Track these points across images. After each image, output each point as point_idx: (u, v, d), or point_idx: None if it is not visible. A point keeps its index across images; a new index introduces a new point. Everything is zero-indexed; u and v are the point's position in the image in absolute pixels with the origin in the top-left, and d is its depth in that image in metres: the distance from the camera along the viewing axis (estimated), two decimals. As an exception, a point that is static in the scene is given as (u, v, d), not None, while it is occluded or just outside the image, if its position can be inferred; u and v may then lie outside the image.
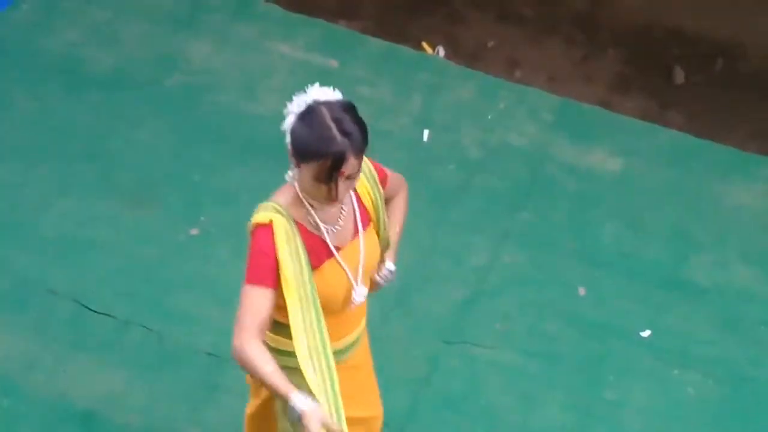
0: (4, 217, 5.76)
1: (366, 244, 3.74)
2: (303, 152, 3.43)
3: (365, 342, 4.06)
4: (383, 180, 3.85)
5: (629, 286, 5.53)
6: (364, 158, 3.65)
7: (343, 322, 3.80)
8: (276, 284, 3.54)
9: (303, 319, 3.56)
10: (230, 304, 5.30)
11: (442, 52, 6.68)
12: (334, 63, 6.45)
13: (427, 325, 5.39)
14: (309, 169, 3.43)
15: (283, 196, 3.62)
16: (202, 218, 5.77)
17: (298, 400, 3.42)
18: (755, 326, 5.39)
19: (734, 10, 6.93)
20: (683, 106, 6.50)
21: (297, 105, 3.49)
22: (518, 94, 6.36)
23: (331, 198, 3.48)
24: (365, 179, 3.75)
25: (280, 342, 3.73)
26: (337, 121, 3.40)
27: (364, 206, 3.76)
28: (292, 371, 3.55)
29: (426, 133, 6.13)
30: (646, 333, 5.37)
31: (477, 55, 6.74)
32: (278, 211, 3.56)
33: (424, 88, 6.34)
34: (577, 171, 5.98)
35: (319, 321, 3.58)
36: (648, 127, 6.22)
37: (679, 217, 5.79)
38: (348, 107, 3.47)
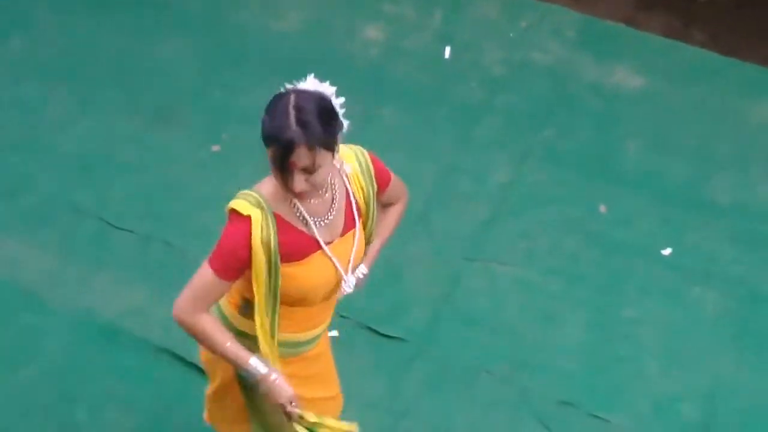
0: (26, 136, 5.80)
1: (343, 245, 3.62)
2: (262, 135, 3.35)
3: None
4: (385, 182, 3.74)
5: (651, 204, 5.55)
6: (363, 152, 3.64)
7: (324, 311, 3.77)
8: (235, 279, 3.52)
9: (265, 311, 3.56)
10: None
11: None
12: (356, -21, 6.45)
13: (449, 242, 5.42)
14: (268, 154, 3.34)
15: (268, 186, 3.51)
16: (224, 136, 5.80)
17: (261, 366, 3.55)
18: (777, 244, 5.42)
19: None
20: (707, 24, 6.47)
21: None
22: (541, 11, 6.34)
23: (288, 188, 3.38)
24: (360, 173, 3.65)
25: (242, 323, 3.72)
26: (298, 110, 3.30)
27: (357, 201, 3.65)
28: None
29: (447, 50, 6.13)
30: (667, 251, 5.39)
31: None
32: (259, 205, 3.46)
33: (447, 5, 6.34)
34: (600, 89, 5.98)
35: (273, 316, 3.57)
36: (671, 44, 6.22)
37: (702, 135, 5.79)
38: (319, 99, 3.35)
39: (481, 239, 5.42)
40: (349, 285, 3.66)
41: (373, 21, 6.22)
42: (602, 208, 5.53)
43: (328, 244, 3.54)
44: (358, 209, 3.65)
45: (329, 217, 3.54)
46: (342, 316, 5.09)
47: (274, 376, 3.58)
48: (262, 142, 3.30)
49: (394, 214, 3.91)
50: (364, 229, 3.69)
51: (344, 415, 4.78)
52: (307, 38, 6.17)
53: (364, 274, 3.79)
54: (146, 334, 5.06)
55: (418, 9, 6.30)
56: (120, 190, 5.58)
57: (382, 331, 5.09)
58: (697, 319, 5.16)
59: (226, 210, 3.49)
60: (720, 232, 5.45)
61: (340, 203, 3.57)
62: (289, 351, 3.74)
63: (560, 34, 6.20)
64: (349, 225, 3.60)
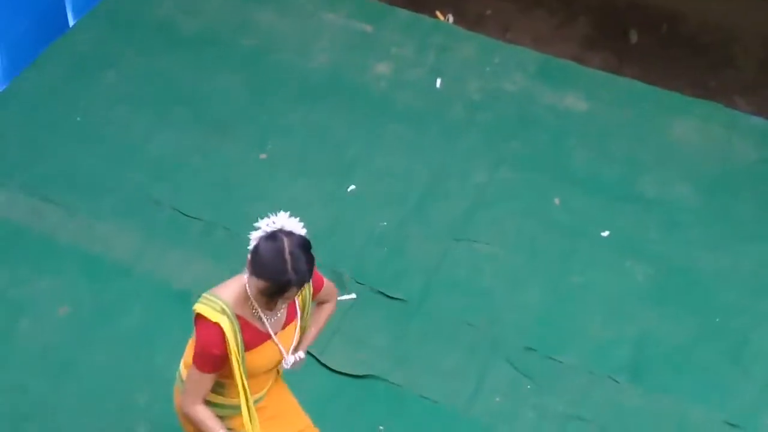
0: (118, 145, 5.80)
1: (282, 338, 3.53)
2: (258, 271, 3.24)
3: (279, 381, 3.81)
4: (318, 287, 3.62)
5: (593, 197, 5.54)
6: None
7: (268, 378, 3.67)
8: (216, 371, 3.44)
9: (242, 384, 3.48)
10: (292, 212, 5.37)
11: (451, 19, 6.66)
12: (369, 28, 6.43)
13: (439, 226, 5.43)
14: (258, 284, 3.25)
15: (229, 291, 3.40)
16: (269, 146, 5.79)
17: None
18: (689, 229, 5.40)
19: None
20: (637, 61, 6.46)
21: (266, 225, 3.30)
22: (510, 52, 6.32)
23: (269, 309, 3.35)
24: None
25: (216, 398, 3.60)
26: (293, 256, 3.21)
27: (297, 302, 3.56)
28: (225, 417, 3.59)
29: (438, 81, 6.13)
30: (605, 233, 5.38)
31: (478, 22, 6.71)
32: (224, 312, 3.35)
33: (438, 47, 6.33)
34: (555, 111, 5.98)
35: (245, 386, 3.49)
36: (610, 77, 6.19)
37: (633, 146, 5.78)
38: (304, 245, 3.27)
39: (464, 224, 5.43)
40: (287, 363, 3.57)
41: (383, 60, 6.23)
42: (557, 201, 5.54)
43: (276, 333, 3.48)
44: (300, 307, 3.56)
45: (277, 315, 3.47)
46: (358, 283, 5.14)
47: None
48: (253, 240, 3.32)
49: (326, 310, 3.79)
50: (301, 320, 3.58)
51: (356, 359, 4.85)
52: (331, 73, 6.17)
53: (301, 358, 3.65)
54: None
55: (417, 50, 6.29)
56: (189, 187, 5.60)
57: (388, 294, 5.12)
58: (629, 285, 5.17)
59: (194, 311, 3.39)
60: (646, 219, 5.45)
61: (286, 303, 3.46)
62: (235, 411, 3.60)
63: (524, 68, 6.20)
64: (290, 318, 3.53)
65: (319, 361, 4.85)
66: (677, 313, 5.05)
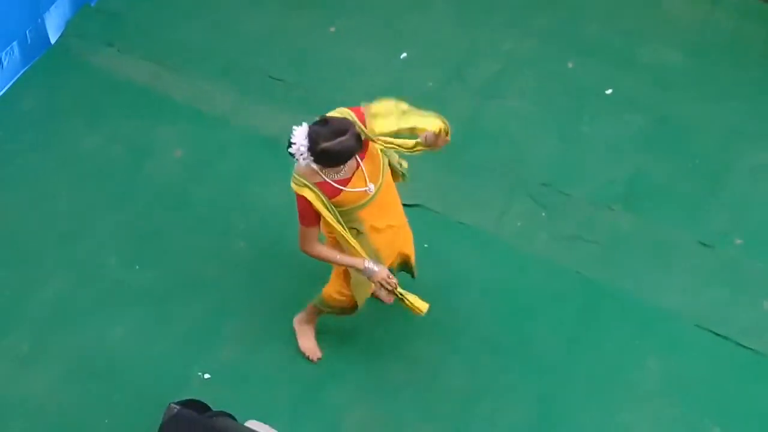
0: (215, 20, 5.76)
1: (367, 164, 3.70)
2: (323, 151, 3.47)
3: (388, 185, 3.89)
4: (362, 119, 3.62)
5: (600, 61, 5.47)
6: (346, 111, 3.62)
7: (363, 195, 3.75)
8: (316, 224, 3.75)
9: (341, 228, 3.75)
10: (357, 74, 5.39)
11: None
12: None
13: (474, 86, 5.39)
14: (325, 157, 3.51)
15: (303, 171, 3.63)
16: (337, 21, 5.77)
17: (368, 263, 3.82)
18: (677, 87, 5.34)
19: None
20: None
21: (301, 150, 3.51)
22: None
23: (335, 171, 3.61)
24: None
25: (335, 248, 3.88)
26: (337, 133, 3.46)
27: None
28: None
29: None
30: (609, 91, 5.37)
31: None
32: (305, 185, 3.63)
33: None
34: None
35: (341, 223, 3.75)
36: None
37: (633, 19, 5.67)
38: (332, 129, 3.46)
39: (495, 84, 5.40)
40: (371, 189, 3.72)
41: None
42: (570, 65, 5.49)
43: (348, 181, 3.67)
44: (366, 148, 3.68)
45: (343, 170, 3.65)
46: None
47: (377, 267, 3.85)
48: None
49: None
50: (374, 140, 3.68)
51: (407, 191, 4.89)
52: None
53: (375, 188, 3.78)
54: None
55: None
56: (275, 54, 5.57)
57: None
58: (626, 133, 5.15)
59: (292, 188, 3.67)
60: (643, 79, 5.38)
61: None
62: (358, 207, 3.78)
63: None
64: (357, 164, 3.68)
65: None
66: (664, 155, 5.05)
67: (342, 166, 3.60)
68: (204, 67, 5.61)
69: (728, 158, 5.08)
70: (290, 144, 3.55)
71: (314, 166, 3.58)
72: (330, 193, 3.68)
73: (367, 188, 3.72)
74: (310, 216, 3.72)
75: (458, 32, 5.72)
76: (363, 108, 3.63)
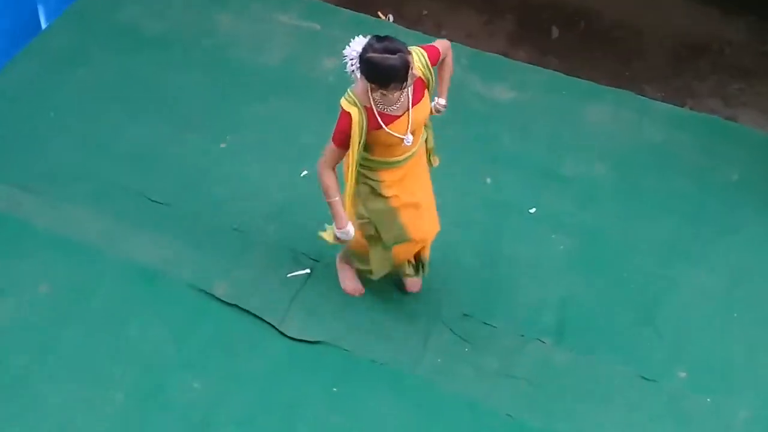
0: (89, 137, 5.63)
1: (415, 113, 4.05)
2: (369, 76, 3.86)
3: (419, 155, 4.31)
4: (435, 58, 4.12)
5: (521, 176, 5.45)
6: (417, 50, 4.03)
7: (398, 150, 4.14)
8: (346, 147, 4.05)
9: (354, 157, 4.09)
10: (252, 196, 5.30)
11: (391, 18, 6.53)
12: (317, 27, 6.28)
13: None
14: (371, 85, 3.89)
15: (358, 90, 3.98)
16: (228, 137, 5.65)
17: (349, 226, 4.21)
18: (605, 203, 5.32)
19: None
20: (558, 54, 6.41)
21: (353, 51, 3.90)
22: (444, 47, 6.20)
23: (386, 102, 3.95)
24: (420, 66, 4.03)
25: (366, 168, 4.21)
26: (385, 59, 3.79)
27: (419, 85, 4.04)
28: (374, 169, 4.21)
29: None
30: (532, 210, 5.31)
31: (416, 21, 6.60)
32: (355, 104, 3.96)
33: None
34: (485, 100, 5.87)
35: (358, 162, 4.13)
36: (533, 68, 6.11)
37: (555, 130, 5.70)
38: (387, 47, 3.80)
39: None
40: (408, 140, 4.07)
41: (331, 56, 6.09)
42: (488, 180, 5.45)
43: (397, 118, 4.02)
44: (419, 92, 4.05)
45: (397, 104, 3.99)
46: (312, 259, 5.03)
47: (347, 230, 4.22)
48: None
49: (448, 62, 4.33)
50: (428, 91, 4.13)
51: (311, 327, 4.74)
52: (284, 68, 6.03)
53: (444, 105, 4.45)
54: (177, 275, 4.96)
55: (360, 46, 6.17)
56: (156, 174, 5.43)
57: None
58: (553, 255, 5.10)
59: (340, 105, 4.01)
60: (568, 195, 5.37)
61: (404, 93, 3.97)
62: (384, 165, 4.18)
63: (458, 61, 6.04)
64: (409, 105, 4.02)
65: (277, 329, 4.77)
66: (596, 279, 5.00)
67: (388, 96, 3.90)
68: (73, 190, 5.37)
69: (664, 280, 5.01)
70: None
71: (365, 85, 3.92)
72: (371, 124, 4.00)
73: (405, 137, 4.04)
74: (345, 137, 4.02)
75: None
76: (437, 46, 4.17)
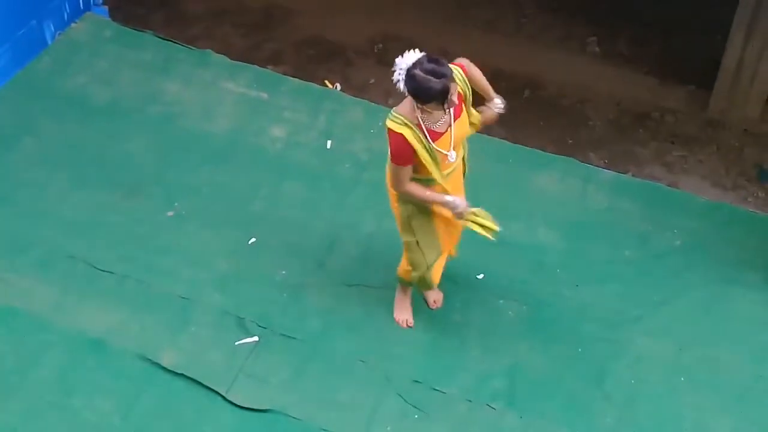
0: (34, 206, 5.63)
1: (457, 128, 4.30)
2: (420, 96, 4.09)
3: (458, 170, 4.58)
4: (467, 73, 4.36)
5: (469, 243, 5.32)
6: (453, 67, 4.19)
7: (444, 167, 4.40)
8: (411, 164, 4.26)
9: (435, 170, 4.34)
10: (199, 263, 5.34)
11: (339, 87, 6.68)
12: (265, 95, 6.41)
13: (334, 273, 5.36)
14: (430, 106, 4.12)
15: (405, 109, 4.21)
16: (176, 204, 5.69)
17: (450, 197, 4.41)
18: (553, 269, 5.43)
19: (536, 55, 7.05)
20: (504, 123, 6.48)
21: (400, 69, 4.09)
22: (392, 115, 6.32)
23: (445, 107, 4.15)
24: (459, 82, 4.23)
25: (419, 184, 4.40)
26: (433, 74, 4.03)
27: (458, 100, 4.23)
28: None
29: (329, 142, 6.13)
30: (480, 276, 5.37)
31: (363, 89, 6.75)
32: (405, 124, 4.18)
33: (328, 112, 6.33)
34: (432, 167, 5.97)
35: (437, 169, 4.35)
36: (480, 137, 6.14)
37: (502, 197, 5.76)
38: (432, 62, 4.04)
39: (357, 270, 5.38)
40: (452, 156, 4.35)
41: (278, 124, 6.21)
42: None
43: (441, 135, 4.26)
44: (458, 109, 4.29)
45: (440, 121, 4.23)
46: (260, 327, 5.05)
47: (458, 200, 4.43)
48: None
49: (474, 71, 4.49)
50: (468, 114, 4.44)
51: (259, 395, 4.75)
52: (232, 136, 6.11)
53: (501, 102, 4.64)
54: (124, 344, 4.96)
55: (308, 115, 6.28)
56: (102, 243, 5.44)
57: (288, 335, 5.05)
58: (501, 321, 5.16)
59: (387, 126, 4.21)
60: (515, 262, 5.44)
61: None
62: (428, 182, 4.41)
63: (405, 130, 6.19)
64: (450, 122, 4.26)
65: (224, 398, 4.77)
66: (545, 345, 5.06)
67: (432, 112, 4.16)
68: (17, 259, 5.36)
69: (613, 345, 5.09)
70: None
71: (411, 102, 4.16)
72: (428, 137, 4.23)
73: (449, 153, 4.31)
74: (406, 154, 4.23)
75: (312, 214, 5.69)
76: (462, 63, 4.39)
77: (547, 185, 5.91)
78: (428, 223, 4.62)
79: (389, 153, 4.34)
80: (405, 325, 5.07)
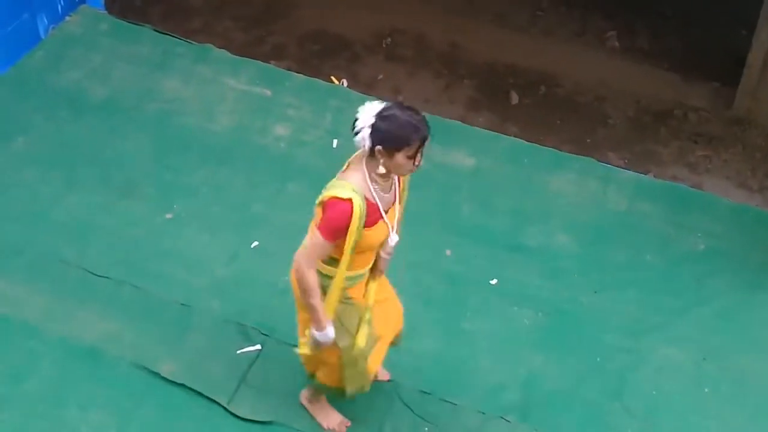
0: (25, 208, 5.62)
1: (390, 215, 3.92)
2: (395, 142, 3.64)
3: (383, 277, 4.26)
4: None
5: (481, 248, 5.52)
6: None
7: (372, 257, 4.06)
8: (336, 240, 3.77)
9: (346, 260, 3.86)
10: (198, 268, 5.32)
11: (345, 83, 6.67)
12: (268, 92, 6.39)
13: None
14: (395, 154, 3.66)
15: (354, 178, 3.76)
16: (175, 206, 5.68)
17: (329, 327, 3.98)
18: (569, 275, 5.42)
19: (551, 49, 7.03)
20: (518, 120, 6.56)
21: (363, 120, 3.70)
22: (401, 113, 6.32)
23: (408, 170, 3.76)
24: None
25: (326, 269, 3.95)
26: (411, 116, 3.69)
27: (402, 182, 3.96)
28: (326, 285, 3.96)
29: (335, 141, 6.11)
30: (494, 281, 5.37)
31: (371, 85, 6.74)
32: (355, 192, 3.70)
33: (334, 110, 6.31)
34: (443, 168, 5.98)
35: (350, 263, 3.90)
36: (493, 135, 6.24)
37: (516, 199, 5.80)
38: (401, 107, 3.72)
39: None
40: (394, 240, 3.97)
41: (282, 122, 6.19)
42: (448, 252, 5.51)
43: (385, 212, 3.85)
44: (400, 189, 3.95)
45: (388, 193, 3.86)
46: (263, 334, 5.04)
47: (330, 338, 4.01)
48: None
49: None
50: (401, 202, 4.00)
51: (262, 407, 4.74)
52: (234, 135, 6.10)
53: (396, 241, 4.05)
54: (120, 353, 4.94)
55: (314, 113, 6.28)
56: (98, 247, 5.42)
57: (292, 344, 4.97)
58: (516, 329, 5.15)
59: (324, 199, 3.75)
60: (530, 267, 5.44)
61: (393, 184, 3.88)
62: (353, 282, 4.02)
63: (414, 128, 6.19)
64: (395, 198, 3.92)
65: (226, 409, 4.74)
66: (561, 354, 5.04)
67: (388, 174, 3.76)
68: (7, 264, 5.34)
69: (632, 354, 5.07)
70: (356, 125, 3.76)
71: (364, 173, 3.74)
72: (369, 218, 3.78)
73: (391, 236, 3.95)
74: (340, 228, 3.75)
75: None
76: None
77: (564, 186, 5.89)
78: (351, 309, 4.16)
79: (315, 224, 3.84)
80: (345, 427, 4.67)
